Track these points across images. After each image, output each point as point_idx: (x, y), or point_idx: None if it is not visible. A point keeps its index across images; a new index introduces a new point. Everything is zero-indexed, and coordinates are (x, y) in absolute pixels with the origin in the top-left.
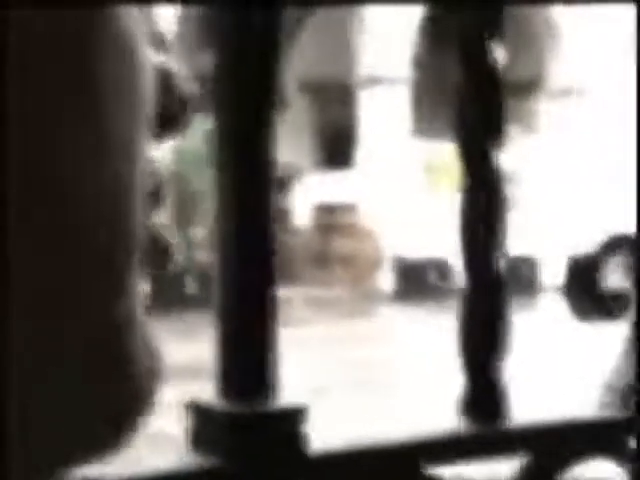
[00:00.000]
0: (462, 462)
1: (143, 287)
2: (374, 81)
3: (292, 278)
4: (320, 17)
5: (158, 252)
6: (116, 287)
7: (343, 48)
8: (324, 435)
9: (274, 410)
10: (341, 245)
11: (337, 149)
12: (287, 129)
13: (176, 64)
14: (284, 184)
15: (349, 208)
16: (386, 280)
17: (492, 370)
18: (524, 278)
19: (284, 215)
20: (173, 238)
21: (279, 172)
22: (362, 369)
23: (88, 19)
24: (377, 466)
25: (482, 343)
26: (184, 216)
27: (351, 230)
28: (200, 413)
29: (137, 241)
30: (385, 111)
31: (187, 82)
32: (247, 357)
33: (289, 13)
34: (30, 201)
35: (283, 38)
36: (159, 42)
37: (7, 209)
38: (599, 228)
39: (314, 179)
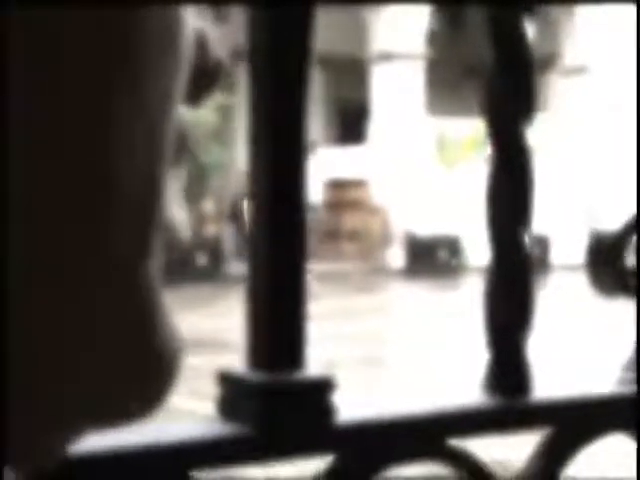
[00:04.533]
0: (485, 435)
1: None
2: (388, 57)
3: None
4: None
5: (170, 233)
6: (144, 246)
7: (356, 23)
8: (348, 403)
9: (303, 380)
10: (351, 221)
11: (349, 125)
12: None
13: (211, 28)
14: None
15: (360, 184)
16: (396, 256)
17: (517, 345)
18: (535, 256)
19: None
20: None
21: None
22: (372, 343)
23: None
24: (402, 437)
25: (507, 318)
26: (194, 190)
27: (361, 206)
28: (229, 382)
29: (164, 201)
30: (398, 87)
31: (221, 46)
32: (277, 328)
33: None
34: (63, 154)
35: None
36: (197, 6)
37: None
38: (613, 206)
39: (326, 154)
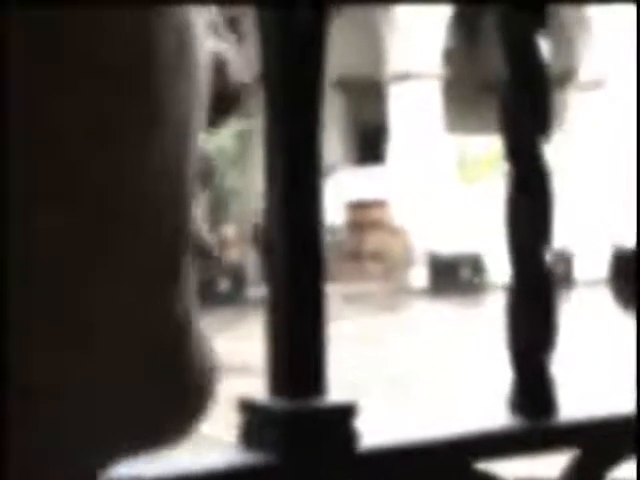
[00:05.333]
0: (512, 457)
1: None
2: (405, 77)
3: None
4: (350, 13)
5: (202, 256)
6: (174, 285)
7: (374, 44)
8: (371, 429)
9: (324, 407)
10: (373, 241)
11: (369, 145)
12: None
13: (232, 52)
14: None
15: (381, 204)
16: (419, 275)
17: (541, 364)
18: (559, 272)
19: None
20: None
21: None
22: (396, 364)
23: (149, 7)
24: (427, 463)
25: (530, 338)
26: (215, 215)
27: (383, 226)
28: (252, 410)
29: (191, 232)
30: (416, 107)
31: (242, 70)
32: (296, 354)
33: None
34: (85, 190)
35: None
36: (217, 29)
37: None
38: (633, 221)
39: (346, 176)
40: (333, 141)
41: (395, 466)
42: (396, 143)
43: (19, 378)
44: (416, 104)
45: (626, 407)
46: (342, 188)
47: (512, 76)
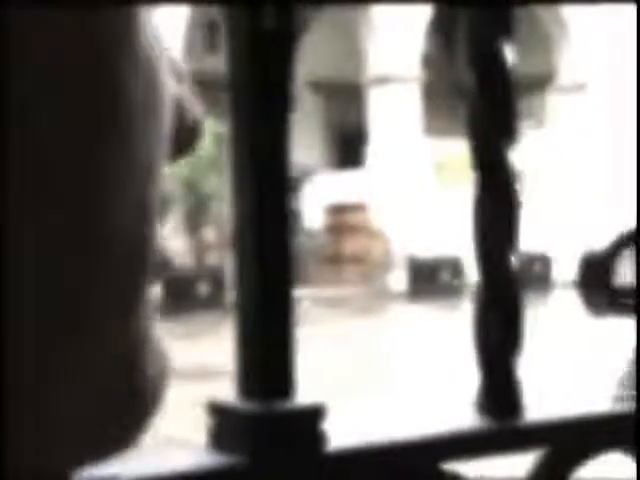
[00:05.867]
0: (479, 458)
1: (152, 300)
2: (383, 80)
3: (304, 278)
4: (329, 17)
5: (160, 268)
6: (132, 305)
7: (353, 47)
8: (340, 430)
9: (293, 409)
10: (352, 245)
11: (348, 149)
12: (297, 129)
13: (189, 91)
14: (295, 185)
15: (360, 208)
16: (398, 279)
17: (507, 366)
18: (537, 274)
19: (295, 216)
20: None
21: (291, 173)
22: (374, 366)
23: (117, 50)
24: (395, 463)
25: (497, 339)
26: (195, 219)
27: (361, 230)
28: (220, 413)
29: (153, 260)
30: (395, 110)
31: (198, 109)
32: (266, 356)
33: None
34: (57, 220)
35: (296, 38)
36: (176, 72)
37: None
38: (611, 223)
39: (325, 179)
40: (312, 144)
41: (363, 467)
42: (375, 146)
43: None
44: (395, 107)
45: (594, 405)
46: (321, 192)
47: (477, 82)
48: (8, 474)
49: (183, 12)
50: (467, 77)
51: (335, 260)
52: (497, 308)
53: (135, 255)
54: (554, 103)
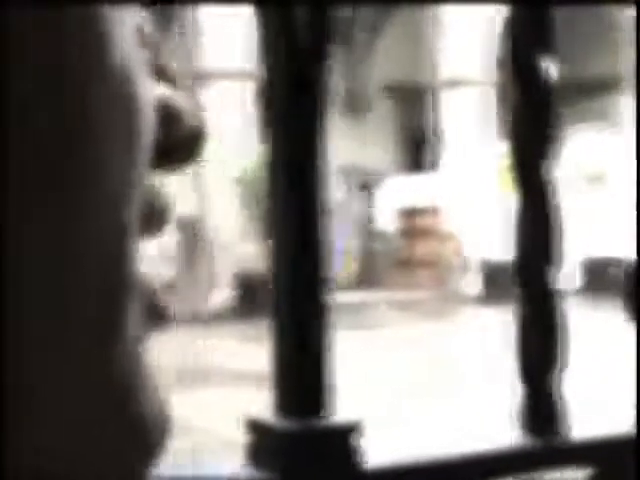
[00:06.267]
0: (522, 476)
1: (146, 338)
2: (455, 83)
3: (378, 282)
4: (399, 20)
5: (155, 315)
6: (112, 330)
7: (423, 50)
8: (381, 446)
9: (327, 427)
10: (424, 248)
11: (419, 152)
12: (370, 133)
13: (185, 96)
14: (368, 188)
15: (432, 211)
16: (471, 282)
17: (551, 383)
18: (612, 278)
19: (368, 220)
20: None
21: (363, 176)
22: (444, 369)
23: (84, 63)
24: None
25: (539, 355)
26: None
27: (434, 233)
28: (256, 429)
29: (134, 285)
30: (468, 113)
31: (196, 114)
32: (301, 375)
33: (367, 18)
34: (28, 243)
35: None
36: (164, 74)
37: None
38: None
39: (397, 183)
40: (383, 148)
41: None
42: (447, 150)
43: None
44: (467, 111)
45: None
46: (393, 195)
47: (519, 96)
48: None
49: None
50: (510, 91)
51: (408, 263)
52: (538, 323)
53: (110, 278)
54: (628, 104)
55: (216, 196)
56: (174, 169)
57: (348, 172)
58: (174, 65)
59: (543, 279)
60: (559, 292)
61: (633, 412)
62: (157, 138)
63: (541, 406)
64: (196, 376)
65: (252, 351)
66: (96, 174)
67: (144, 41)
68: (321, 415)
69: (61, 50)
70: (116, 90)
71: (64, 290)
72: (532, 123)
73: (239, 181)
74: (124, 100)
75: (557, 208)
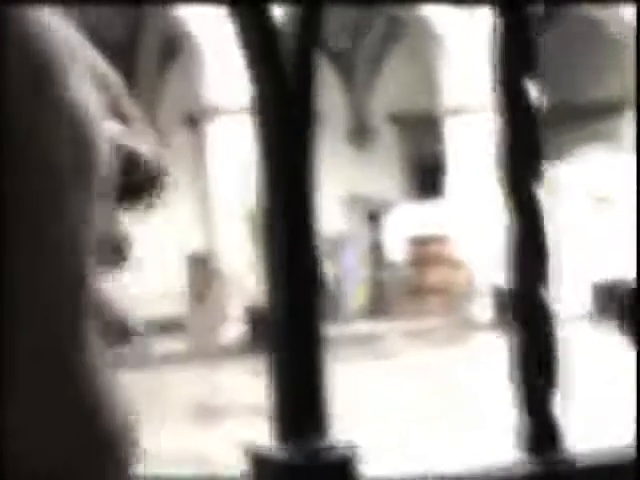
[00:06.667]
0: None
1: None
2: (460, 111)
3: (387, 311)
4: (404, 48)
5: (121, 334)
6: (76, 337)
7: (428, 78)
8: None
9: (327, 455)
10: (434, 276)
11: (426, 180)
12: (377, 162)
13: (143, 140)
14: (376, 217)
15: (441, 239)
16: (482, 309)
17: (546, 403)
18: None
19: (377, 249)
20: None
21: (371, 205)
22: (455, 396)
23: (38, 107)
24: None
25: (536, 377)
26: None
27: (444, 260)
28: (255, 459)
29: (92, 305)
30: (472, 140)
31: (155, 157)
32: (301, 402)
33: (371, 47)
34: None
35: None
36: (119, 112)
37: None
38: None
39: (404, 211)
40: (390, 177)
41: None
42: (454, 177)
43: None
44: (472, 138)
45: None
46: (402, 224)
47: (507, 117)
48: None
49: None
50: (497, 115)
51: (418, 292)
52: (533, 346)
53: (68, 295)
54: (631, 126)
55: (226, 231)
56: (136, 207)
57: (355, 202)
58: (134, 109)
59: (537, 301)
60: (554, 314)
61: (633, 432)
62: (118, 178)
63: (539, 428)
64: (211, 411)
65: (262, 385)
66: (57, 200)
67: (103, 83)
68: (320, 443)
69: (12, 86)
70: (72, 130)
71: (26, 310)
72: (519, 147)
73: (248, 216)
74: (80, 139)
75: (548, 231)
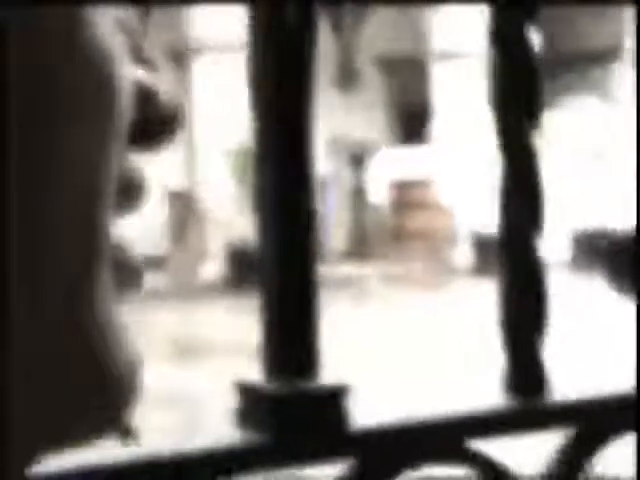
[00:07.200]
0: (505, 437)
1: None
2: (448, 56)
3: (369, 255)
4: None
5: (127, 272)
6: (85, 292)
7: (416, 22)
8: (368, 408)
9: (316, 389)
10: (416, 220)
11: (411, 124)
12: (361, 105)
13: (160, 78)
14: (359, 161)
15: (425, 183)
16: (462, 255)
17: (533, 346)
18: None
19: (360, 192)
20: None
21: (355, 148)
22: (432, 341)
23: (62, 50)
24: (419, 442)
25: (522, 320)
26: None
27: (426, 205)
28: (245, 392)
29: (107, 251)
30: (460, 85)
31: (171, 95)
32: (290, 337)
33: None
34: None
35: (317, 29)
36: (140, 57)
37: None
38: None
39: (389, 155)
40: (375, 120)
41: (387, 446)
42: (440, 122)
43: None
44: (460, 83)
45: (624, 385)
46: (385, 168)
47: (501, 62)
48: None
49: None
50: (492, 60)
51: (399, 236)
52: (521, 288)
53: (84, 241)
54: (621, 75)
55: (208, 169)
56: (150, 148)
57: (339, 144)
58: (150, 47)
59: (528, 246)
60: (544, 259)
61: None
62: (133, 118)
63: (524, 369)
64: (189, 349)
65: (244, 323)
66: (70, 147)
67: (120, 25)
68: (311, 378)
69: (47, 46)
70: (96, 70)
71: (37, 257)
72: (516, 91)
73: (231, 153)
74: (104, 80)
75: (541, 177)
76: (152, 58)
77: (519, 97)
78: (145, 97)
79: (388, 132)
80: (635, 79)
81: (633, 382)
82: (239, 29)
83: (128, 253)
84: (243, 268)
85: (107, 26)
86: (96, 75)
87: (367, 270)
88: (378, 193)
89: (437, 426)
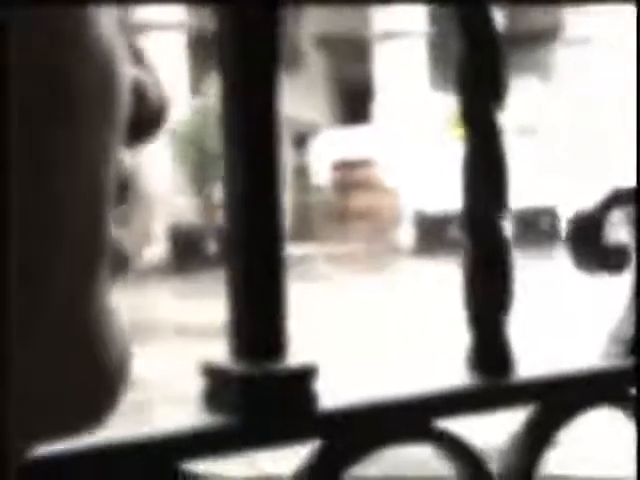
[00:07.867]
0: (471, 415)
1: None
2: (390, 35)
3: (312, 235)
4: None
5: (117, 261)
6: (90, 287)
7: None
8: (333, 389)
9: (284, 369)
10: (360, 200)
11: (354, 104)
12: (303, 85)
13: (149, 74)
14: (302, 141)
15: (368, 163)
16: (406, 234)
17: (497, 323)
18: (544, 229)
19: (303, 172)
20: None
21: (297, 129)
22: (379, 323)
23: (69, 47)
24: (386, 421)
25: (485, 297)
26: (202, 177)
27: (370, 185)
28: (212, 374)
29: (107, 243)
30: (402, 65)
31: (159, 90)
32: (258, 317)
33: None
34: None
35: None
36: (135, 55)
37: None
38: (609, 180)
39: (332, 135)
40: (317, 100)
41: (355, 425)
42: (382, 102)
43: None
44: (401, 62)
45: (587, 363)
46: (327, 148)
47: (467, 46)
48: None
49: None
50: (457, 39)
51: (343, 216)
52: (485, 266)
53: (89, 237)
54: (560, 56)
55: (150, 151)
56: (139, 143)
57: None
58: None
59: (492, 225)
60: (508, 238)
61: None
62: (128, 114)
63: (489, 348)
64: (137, 331)
65: (189, 306)
66: (79, 146)
67: (120, 26)
68: (279, 360)
69: (57, 47)
70: (102, 69)
71: (44, 255)
72: (481, 71)
73: (172, 134)
74: (109, 78)
75: (505, 155)
76: (143, 55)
77: (484, 77)
78: (138, 94)
79: (330, 112)
80: (636, 75)
81: (596, 358)
82: (180, 8)
83: (118, 241)
84: (187, 250)
85: (111, 26)
86: (102, 74)
87: (311, 250)
88: (321, 174)
89: (404, 406)
